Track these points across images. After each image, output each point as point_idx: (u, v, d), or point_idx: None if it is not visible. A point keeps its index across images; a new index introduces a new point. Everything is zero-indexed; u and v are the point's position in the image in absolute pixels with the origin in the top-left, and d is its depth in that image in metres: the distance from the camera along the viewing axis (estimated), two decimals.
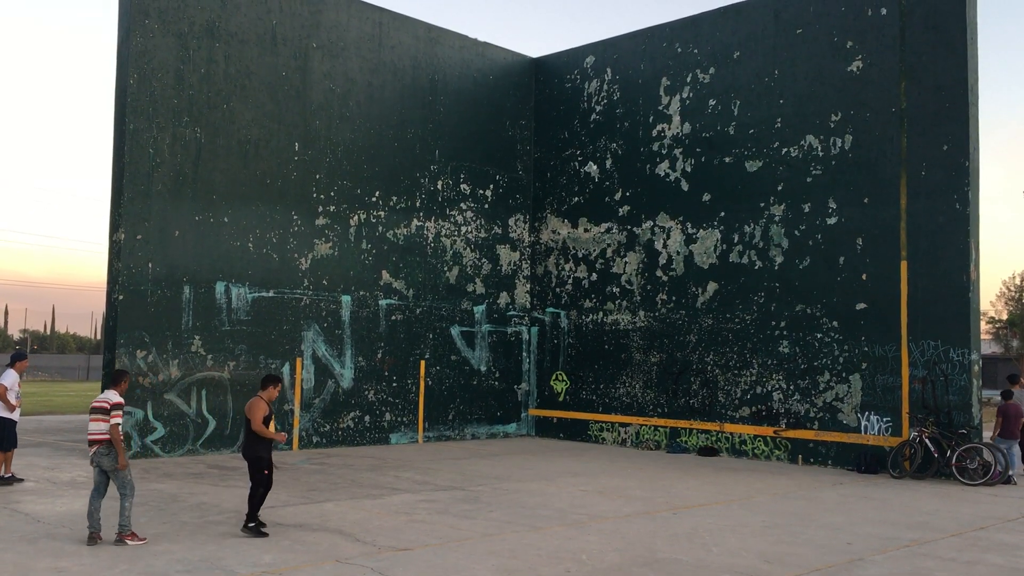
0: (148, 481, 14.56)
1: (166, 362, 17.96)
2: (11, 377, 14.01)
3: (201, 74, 18.79)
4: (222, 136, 19.05)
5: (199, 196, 18.63)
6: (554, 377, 23.95)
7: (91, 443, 10.05)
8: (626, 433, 22.10)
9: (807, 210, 19.28)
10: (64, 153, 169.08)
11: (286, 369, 19.62)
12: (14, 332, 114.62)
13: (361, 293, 21.06)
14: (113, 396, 10.21)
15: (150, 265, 17.90)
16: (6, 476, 13.95)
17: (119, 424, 10.08)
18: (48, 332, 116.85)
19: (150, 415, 17.65)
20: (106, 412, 10.06)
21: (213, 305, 18.70)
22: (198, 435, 18.29)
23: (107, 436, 10.02)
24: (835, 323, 18.62)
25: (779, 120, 19.86)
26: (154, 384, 17.76)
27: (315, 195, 20.38)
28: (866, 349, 18.13)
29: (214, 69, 18.99)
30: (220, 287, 18.82)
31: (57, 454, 18.11)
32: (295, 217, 20.02)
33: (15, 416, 14.07)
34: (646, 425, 21.69)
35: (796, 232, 19.42)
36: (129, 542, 9.78)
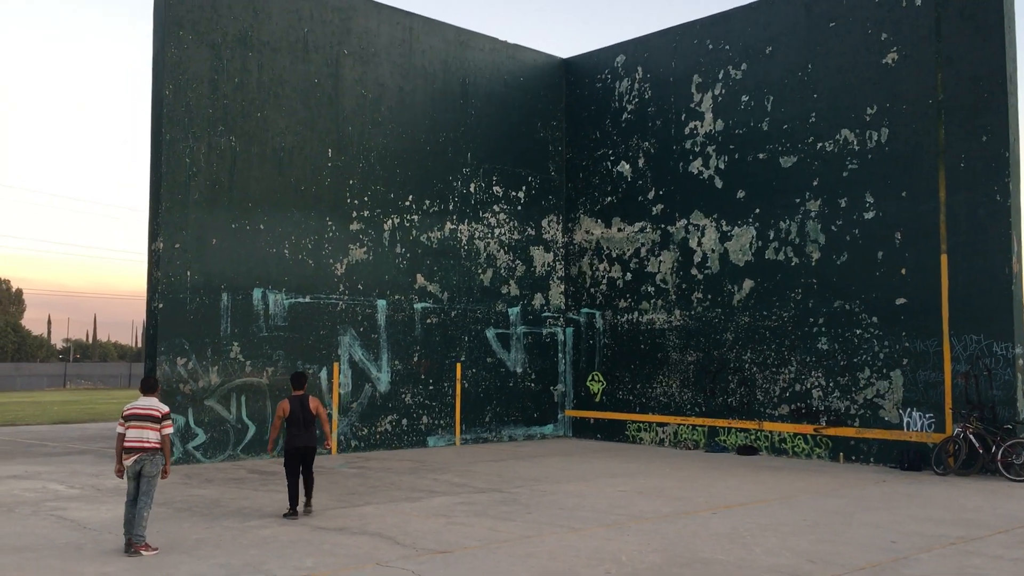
0: (190, 487, 14.74)
1: (206, 369, 18.18)
2: None
3: (235, 83, 19.00)
4: (256, 144, 19.25)
5: (235, 204, 18.83)
6: (590, 378, 23.89)
7: (135, 450, 9.98)
8: (664, 433, 21.98)
9: (844, 205, 19.06)
10: (103, 165, 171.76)
11: (323, 374, 19.77)
12: (57, 341, 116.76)
13: (396, 297, 21.17)
14: (163, 405, 10.27)
15: (188, 273, 18.13)
16: None
17: (170, 433, 10.22)
18: (90, 341, 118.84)
19: (191, 421, 17.87)
20: (157, 420, 10.11)
21: (251, 312, 18.90)
22: (238, 441, 18.48)
23: (158, 445, 10.08)
24: (875, 319, 18.39)
25: (813, 115, 19.65)
26: (194, 391, 17.98)
27: (349, 200, 20.52)
28: (907, 344, 17.88)
29: (247, 78, 19.19)
30: (257, 294, 19.02)
31: (101, 461, 18.37)
32: (329, 223, 20.18)
33: None
34: (684, 424, 21.56)
35: (833, 227, 19.20)
36: (144, 553, 9.71)
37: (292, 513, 11.91)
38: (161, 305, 17.80)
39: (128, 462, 10.02)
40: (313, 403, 12.23)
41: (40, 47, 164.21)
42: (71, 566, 9.22)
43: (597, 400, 23.68)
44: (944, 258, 17.53)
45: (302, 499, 12.31)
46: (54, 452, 20.36)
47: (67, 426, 28.93)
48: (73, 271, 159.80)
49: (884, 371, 18.17)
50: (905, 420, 17.79)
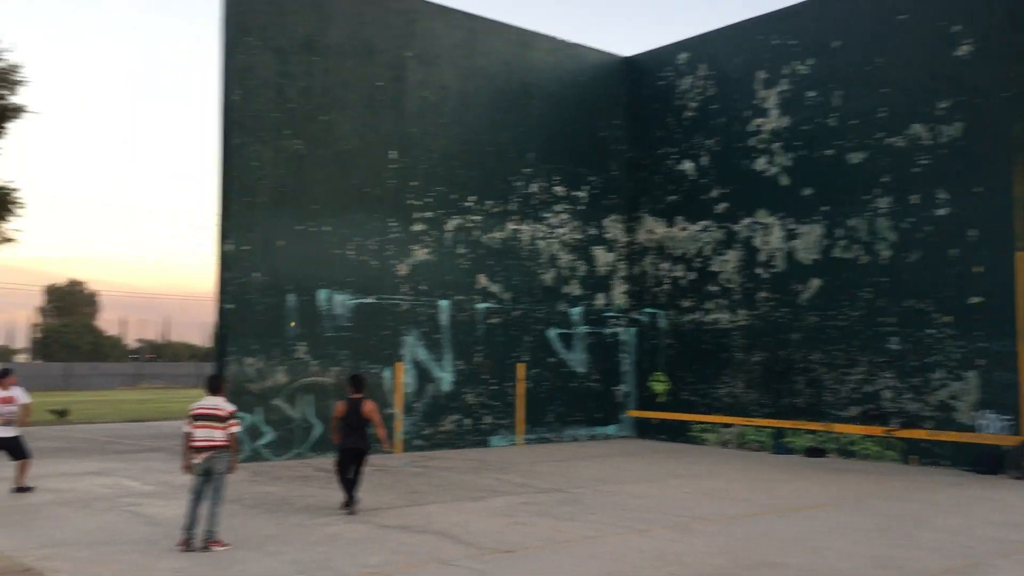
0: (259, 484, 15.02)
1: (273, 368, 18.50)
2: None
3: (300, 87, 19.31)
4: (321, 147, 19.53)
5: (300, 206, 19.13)
6: (653, 378, 23.71)
7: (202, 449, 10.16)
8: (729, 434, 21.70)
9: (915, 202, 18.59)
10: (174, 169, 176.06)
11: (387, 374, 19.97)
12: (131, 341, 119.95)
13: (459, 297, 21.28)
14: (228, 404, 10.47)
15: (256, 275, 18.47)
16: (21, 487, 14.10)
17: (237, 432, 10.42)
18: (163, 341, 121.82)
19: (259, 420, 18.20)
20: (222, 420, 10.30)
21: (316, 312, 19.18)
22: (304, 439, 18.77)
23: (226, 443, 10.27)
24: (948, 318, 17.89)
25: (883, 109, 19.21)
26: (262, 390, 18.31)
27: (411, 202, 20.69)
28: (982, 345, 17.36)
29: (313, 82, 19.48)
30: (322, 294, 19.29)
31: (174, 458, 18.78)
32: (392, 224, 20.37)
33: (8, 432, 13.88)
34: (749, 426, 21.26)
35: (904, 225, 18.75)
36: (216, 548, 9.88)
37: (349, 505, 12.25)
38: (230, 306, 18.16)
39: (197, 460, 10.19)
40: (367, 407, 12.55)
41: (89, 46, 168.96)
42: (145, 560, 9.46)
43: (660, 400, 23.49)
44: (1020, 255, 16.98)
45: (334, 494, 12.67)
46: (128, 449, 20.94)
47: (140, 424, 29.74)
48: (147, 273, 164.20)
49: (958, 372, 17.67)
50: (980, 422, 17.27)
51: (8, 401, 13.88)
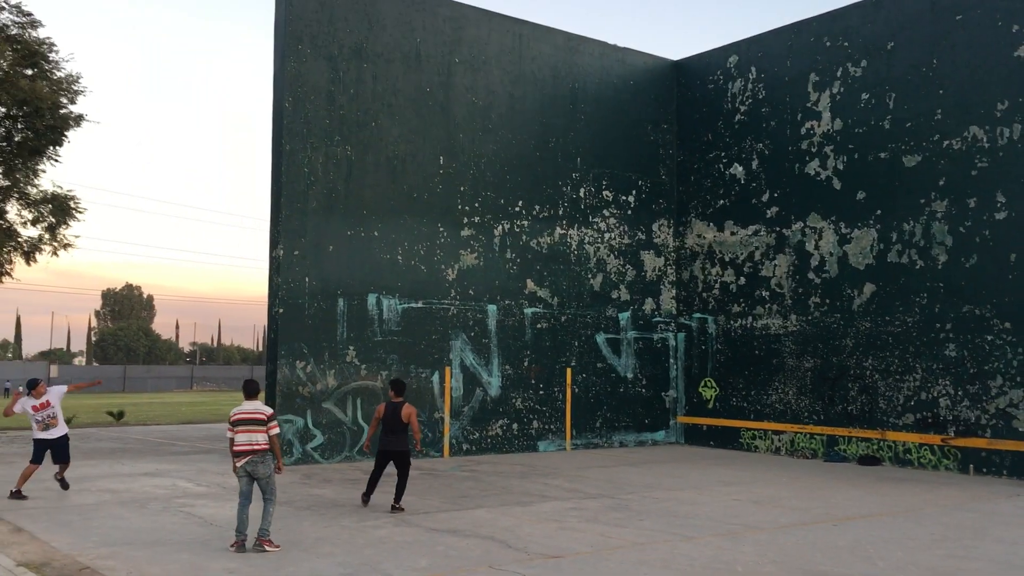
0: (309, 486, 15.17)
1: (323, 372, 18.69)
2: (21, 405, 14.02)
3: (350, 94, 19.51)
4: (371, 153, 19.70)
5: (350, 212, 19.32)
6: (703, 384, 23.49)
7: (245, 453, 10.28)
8: (780, 441, 21.41)
9: (972, 205, 18.18)
10: (225, 175, 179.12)
11: (435, 378, 20.05)
12: (185, 345, 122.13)
13: (507, 302, 21.30)
14: (266, 407, 10.62)
15: (307, 279, 18.68)
16: (62, 484, 14.39)
17: (278, 433, 10.54)
18: (215, 345, 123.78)
19: (309, 423, 18.40)
20: (263, 423, 10.44)
21: (366, 316, 19.34)
22: (354, 442, 18.93)
23: (267, 446, 10.41)
24: (1007, 324, 17.46)
25: (939, 111, 18.83)
26: (312, 393, 18.51)
27: (460, 207, 20.78)
28: None
29: (362, 89, 19.68)
30: (372, 299, 19.45)
31: (226, 460, 19.05)
32: (441, 229, 20.47)
33: (46, 435, 14.03)
34: (801, 433, 20.95)
35: (961, 229, 18.35)
36: (268, 548, 9.99)
37: (365, 499, 13.11)
38: (281, 310, 18.39)
39: (240, 463, 10.35)
40: (406, 411, 12.88)
41: (154, 52, 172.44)
42: (199, 560, 9.61)
43: (710, 407, 23.26)
44: None
45: (382, 495, 13.08)
46: (182, 451, 21.30)
47: (194, 426, 30.24)
48: (200, 278, 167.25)
49: (1018, 379, 17.23)
50: None
51: (44, 407, 14.15)
